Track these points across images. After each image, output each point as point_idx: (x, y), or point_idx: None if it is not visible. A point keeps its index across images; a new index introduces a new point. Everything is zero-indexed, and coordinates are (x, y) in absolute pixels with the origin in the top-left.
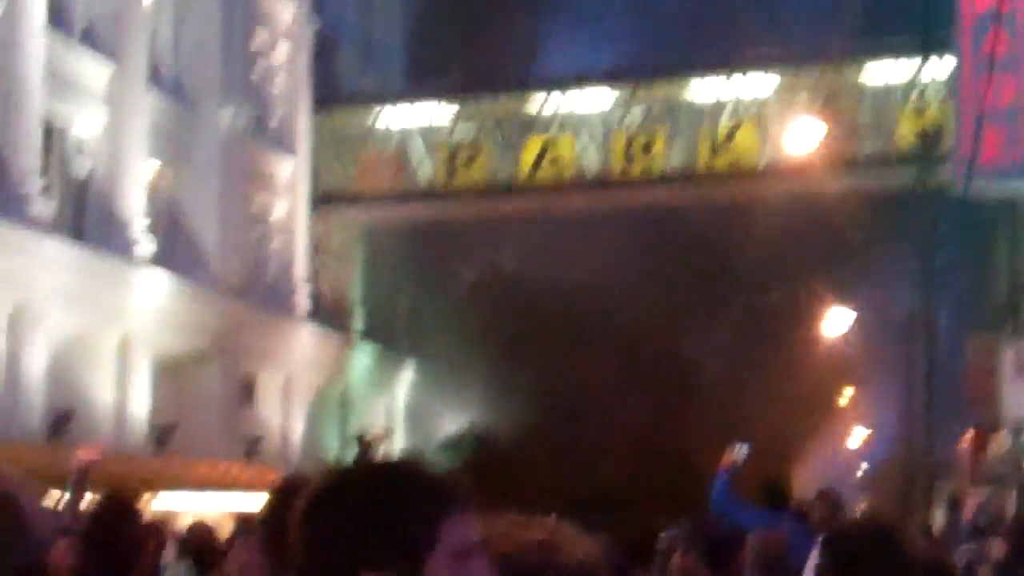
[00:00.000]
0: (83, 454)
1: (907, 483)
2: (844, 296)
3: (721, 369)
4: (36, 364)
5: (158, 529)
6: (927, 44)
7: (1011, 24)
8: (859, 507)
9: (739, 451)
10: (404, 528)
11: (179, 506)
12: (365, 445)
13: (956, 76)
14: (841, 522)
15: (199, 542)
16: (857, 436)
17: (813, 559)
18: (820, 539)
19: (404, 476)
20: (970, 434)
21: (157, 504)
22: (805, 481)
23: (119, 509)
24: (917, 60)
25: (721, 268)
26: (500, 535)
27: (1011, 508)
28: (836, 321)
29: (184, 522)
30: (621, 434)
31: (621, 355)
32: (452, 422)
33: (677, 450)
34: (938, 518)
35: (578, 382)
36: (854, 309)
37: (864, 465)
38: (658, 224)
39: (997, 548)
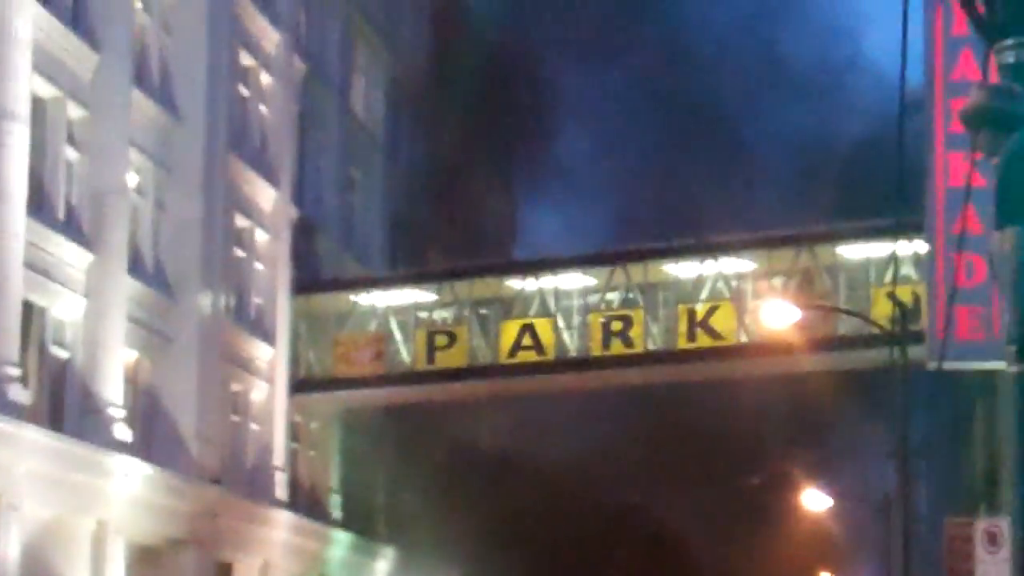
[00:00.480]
0: None
1: None
2: (823, 475)
3: (705, 544)
4: (11, 550)
5: None
6: (901, 226)
7: (982, 202)
8: None
9: None
10: None
11: None
12: None
13: (929, 254)
14: None
15: None
16: None
17: None
18: None
19: None
20: None
21: None
22: None
23: None
24: (891, 240)
25: (702, 445)
26: None
27: None
28: (814, 501)
29: None
30: None
31: (607, 533)
32: None
33: None
34: None
35: (564, 562)
36: (833, 488)
37: None
38: (638, 403)
39: None
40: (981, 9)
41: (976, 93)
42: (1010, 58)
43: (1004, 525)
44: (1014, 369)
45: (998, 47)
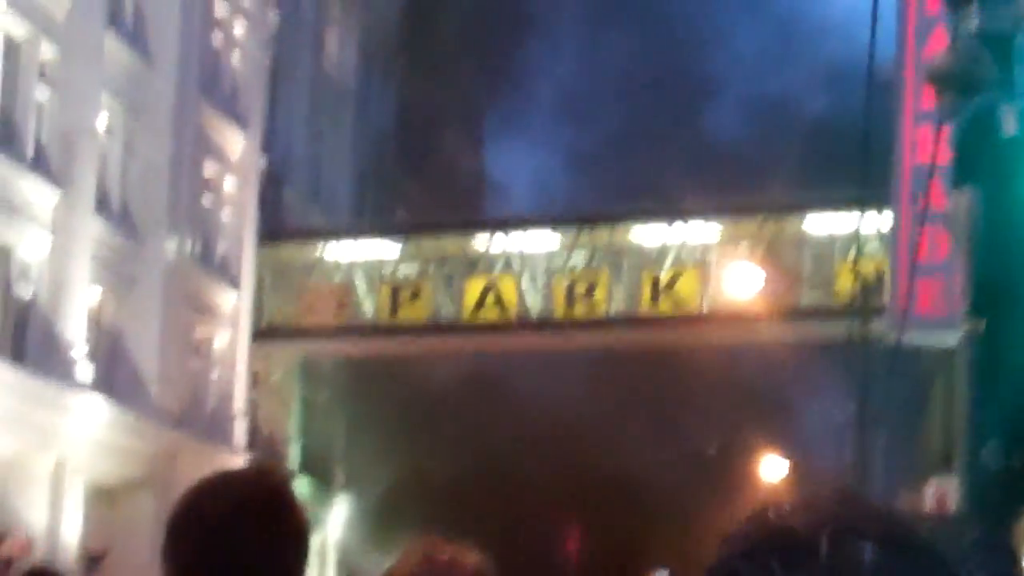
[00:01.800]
0: (11, 546)
1: None
2: (781, 445)
3: (656, 509)
4: None
5: None
6: (866, 197)
7: (949, 177)
8: None
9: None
10: None
11: None
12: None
13: (893, 229)
14: None
15: None
16: None
17: None
18: None
19: None
20: None
21: None
22: None
23: None
24: (857, 212)
25: (662, 411)
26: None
27: None
28: (771, 469)
29: None
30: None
31: (568, 484)
32: (384, 560)
33: None
34: None
35: (524, 512)
36: (791, 456)
37: None
38: (599, 366)
39: None
40: None
41: (944, 56)
42: (977, 24)
43: (951, 488)
44: (967, 326)
45: (965, 14)
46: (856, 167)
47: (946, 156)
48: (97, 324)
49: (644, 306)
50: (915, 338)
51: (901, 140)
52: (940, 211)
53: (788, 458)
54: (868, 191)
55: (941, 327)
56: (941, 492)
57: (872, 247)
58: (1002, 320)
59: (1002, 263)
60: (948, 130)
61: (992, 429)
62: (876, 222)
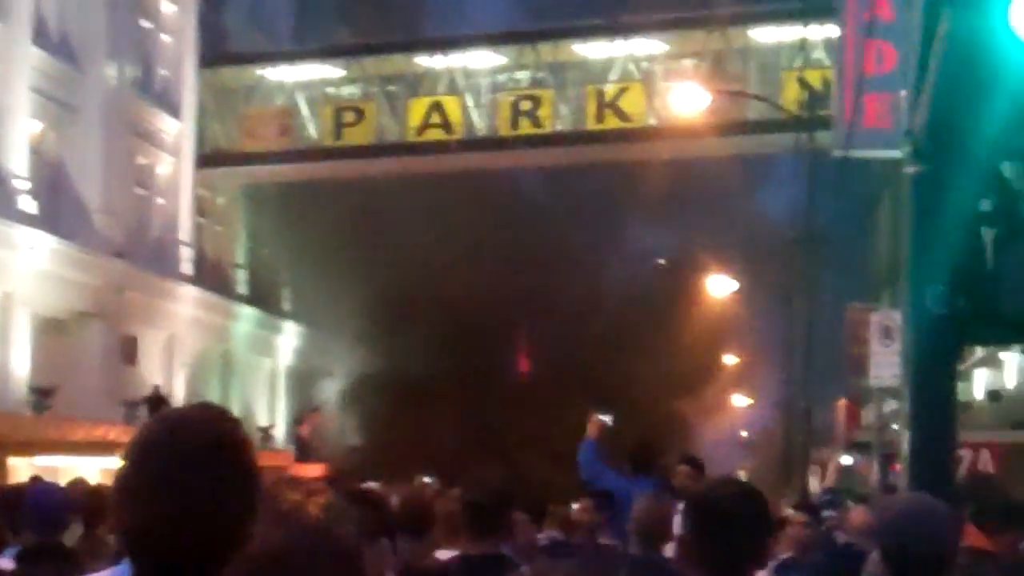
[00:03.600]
0: None
1: (786, 450)
2: (728, 261)
3: (605, 329)
4: None
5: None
6: (811, 7)
7: None
8: (741, 472)
9: (601, 420)
10: None
11: (59, 467)
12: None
13: (840, 41)
14: (700, 486)
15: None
16: (739, 403)
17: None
18: (684, 505)
19: None
20: (843, 403)
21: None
22: (687, 447)
23: None
24: (802, 23)
25: (607, 228)
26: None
27: (874, 474)
28: (719, 288)
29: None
30: (505, 389)
31: (503, 310)
32: (331, 384)
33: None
34: (813, 483)
35: (472, 331)
36: (737, 275)
37: (744, 433)
38: (543, 185)
39: (856, 515)
40: None
41: None
42: None
43: (897, 318)
44: (911, 169)
45: None
46: None
47: None
48: (38, 156)
49: (590, 122)
50: (861, 151)
51: None
52: (887, 22)
53: (736, 275)
54: (814, 0)
55: (888, 140)
56: (887, 322)
57: (818, 57)
58: (948, 166)
59: (957, 104)
60: None
61: (935, 273)
62: (822, 32)
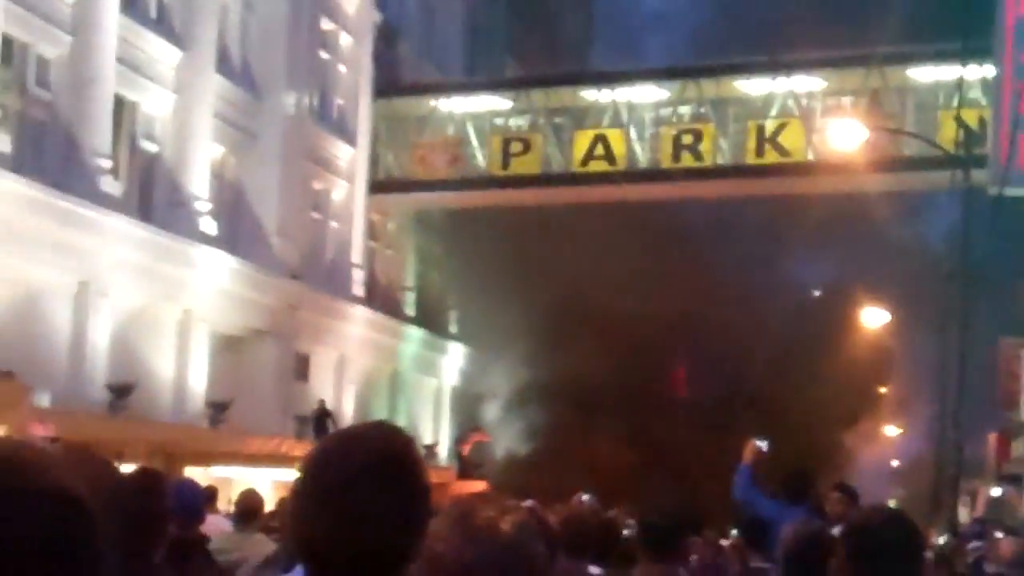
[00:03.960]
0: (37, 430)
1: (936, 480)
2: (883, 294)
3: (763, 357)
4: (100, 336)
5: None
6: (969, 48)
7: None
8: (891, 501)
9: (758, 446)
10: None
11: (232, 478)
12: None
13: (997, 80)
14: (856, 515)
15: (246, 503)
16: (890, 433)
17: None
18: (840, 532)
19: None
20: (994, 436)
21: (212, 474)
22: (841, 476)
23: (147, 483)
24: (959, 64)
25: (767, 261)
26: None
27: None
28: (874, 319)
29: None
30: (683, 412)
31: (662, 335)
32: (493, 405)
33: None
34: (962, 514)
35: (634, 353)
36: (891, 307)
37: (895, 462)
38: (703, 215)
39: (1004, 545)
40: None
41: None
42: None
43: None
44: None
45: None
46: (960, 17)
47: None
48: (219, 179)
49: (750, 156)
50: (1016, 190)
51: None
52: None
53: (889, 307)
54: (972, 42)
55: None
56: None
57: (975, 97)
58: None
59: None
60: None
61: None
62: (979, 72)
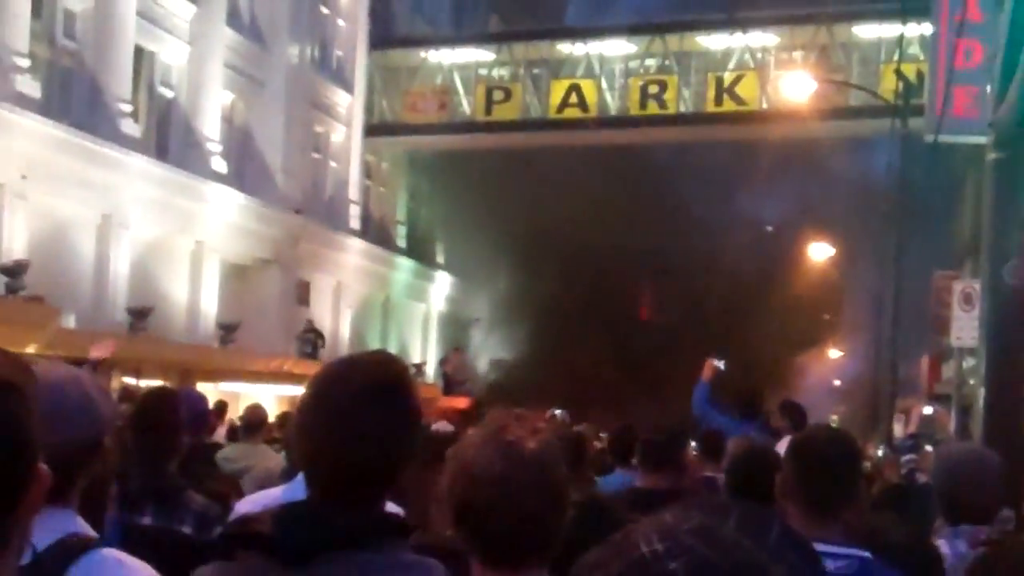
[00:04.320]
0: (96, 350)
1: (874, 398)
2: (830, 230)
3: (721, 287)
4: (121, 264)
5: (219, 411)
6: (908, 8)
7: None
8: (833, 417)
9: (715, 364)
10: None
11: (239, 393)
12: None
13: (933, 37)
14: (803, 430)
15: (251, 417)
16: (834, 355)
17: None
18: (786, 448)
19: None
20: (927, 359)
21: (221, 389)
22: (788, 392)
23: (162, 399)
24: (900, 22)
25: (725, 199)
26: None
27: (951, 423)
28: (821, 253)
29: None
30: (654, 334)
31: (628, 264)
32: (477, 329)
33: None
34: (896, 429)
35: (602, 284)
36: (838, 242)
37: (837, 382)
38: (667, 158)
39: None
40: None
41: None
42: None
43: (977, 287)
44: (992, 156)
45: None
46: None
47: None
48: (229, 123)
49: (709, 104)
50: (949, 137)
51: None
52: (976, 23)
53: (835, 242)
54: (911, 2)
55: (972, 128)
56: (967, 290)
57: (913, 52)
58: None
59: None
60: None
61: (1011, 249)
62: (918, 29)
